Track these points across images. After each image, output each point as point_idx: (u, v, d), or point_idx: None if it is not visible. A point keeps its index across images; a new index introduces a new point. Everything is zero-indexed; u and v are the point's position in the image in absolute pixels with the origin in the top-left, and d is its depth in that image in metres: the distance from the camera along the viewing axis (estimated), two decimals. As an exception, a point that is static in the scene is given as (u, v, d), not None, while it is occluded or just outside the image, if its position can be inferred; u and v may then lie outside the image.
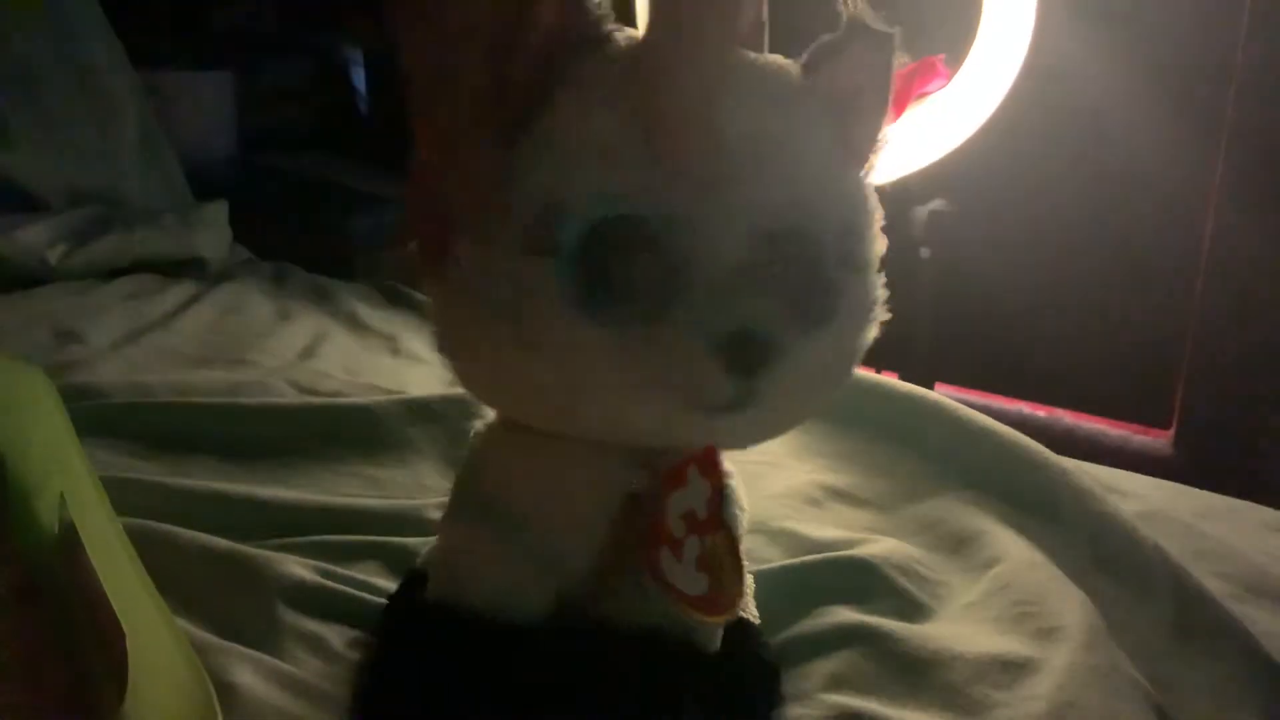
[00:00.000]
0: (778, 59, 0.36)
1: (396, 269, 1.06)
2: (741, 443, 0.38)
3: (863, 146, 0.37)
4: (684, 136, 0.31)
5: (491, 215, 0.33)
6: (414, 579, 0.44)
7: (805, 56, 0.36)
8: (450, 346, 0.36)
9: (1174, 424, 1.14)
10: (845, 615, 0.50)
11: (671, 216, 0.32)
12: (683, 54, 0.31)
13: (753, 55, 0.35)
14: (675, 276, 0.32)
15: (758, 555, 0.55)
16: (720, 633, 0.40)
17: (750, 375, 0.32)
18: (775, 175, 0.33)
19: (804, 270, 0.33)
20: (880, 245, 0.37)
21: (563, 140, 0.32)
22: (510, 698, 0.36)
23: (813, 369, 0.35)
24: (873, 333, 0.37)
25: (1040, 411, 1.21)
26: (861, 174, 0.37)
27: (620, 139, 0.32)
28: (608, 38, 0.34)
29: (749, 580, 0.45)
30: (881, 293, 0.37)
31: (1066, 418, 1.20)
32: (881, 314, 0.37)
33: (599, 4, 0.34)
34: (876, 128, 0.37)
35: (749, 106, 0.33)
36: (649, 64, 0.32)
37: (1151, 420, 1.17)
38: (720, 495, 0.38)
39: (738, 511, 0.40)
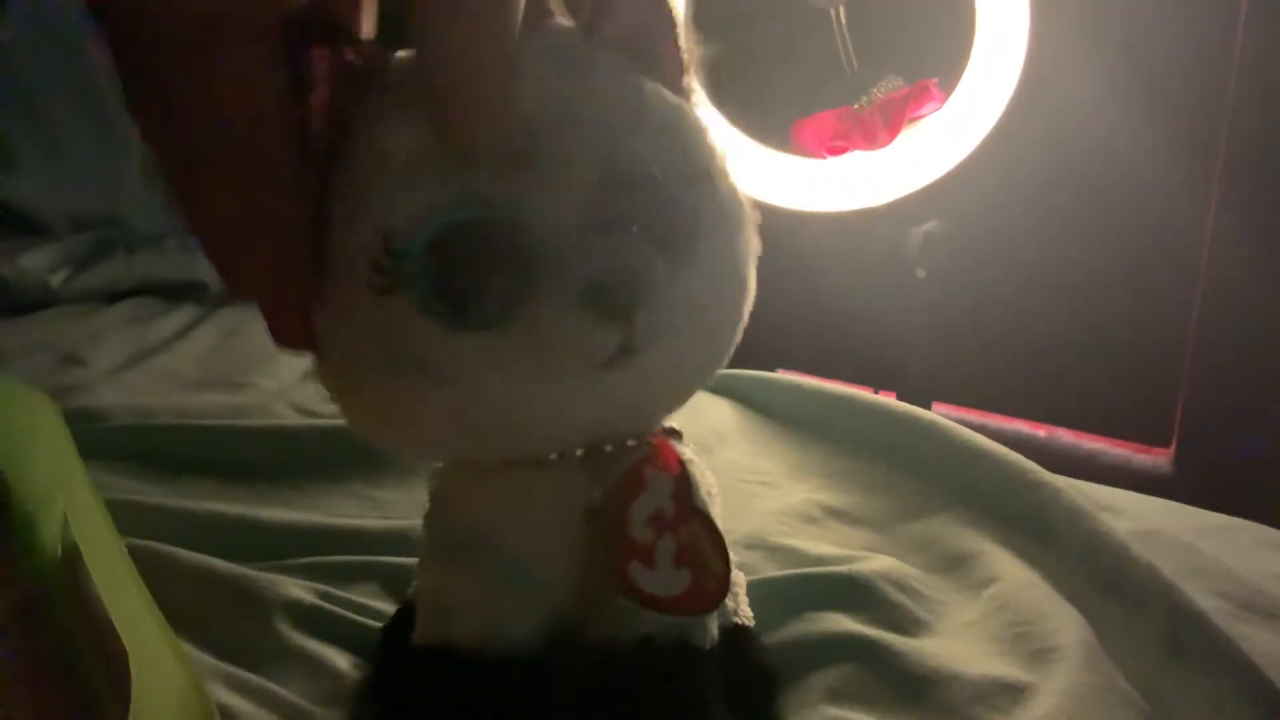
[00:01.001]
0: (559, 23, 0.35)
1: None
2: (651, 403, 0.37)
3: (668, 75, 0.36)
4: (477, 124, 0.31)
5: (330, 266, 0.32)
6: (404, 610, 0.44)
7: (585, 9, 0.35)
8: (360, 417, 0.35)
9: (1174, 442, 1.14)
10: (843, 625, 0.50)
11: (496, 207, 0.31)
12: (457, 44, 0.30)
13: (532, 26, 0.33)
14: (523, 260, 0.31)
15: (754, 569, 0.55)
16: (714, 623, 0.40)
17: (627, 316, 0.32)
18: (582, 132, 0.32)
19: (653, 208, 0.33)
20: (718, 155, 0.36)
21: (367, 170, 0.32)
22: None
23: (690, 297, 0.34)
24: (750, 244, 0.37)
25: (1039, 430, 1.21)
26: (680, 100, 0.36)
27: (423, 148, 0.31)
28: (387, 63, 0.33)
29: (740, 578, 0.45)
30: (742, 196, 0.36)
31: (1065, 436, 1.20)
32: (753, 219, 0.37)
33: (366, 41, 0.33)
34: (676, 53, 0.36)
35: (539, 78, 0.32)
36: (426, 66, 0.31)
37: (1151, 439, 1.16)
38: (685, 485, 0.37)
39: (706, 496, 0.39)
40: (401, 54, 0.34)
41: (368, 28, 0.33)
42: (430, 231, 0.31)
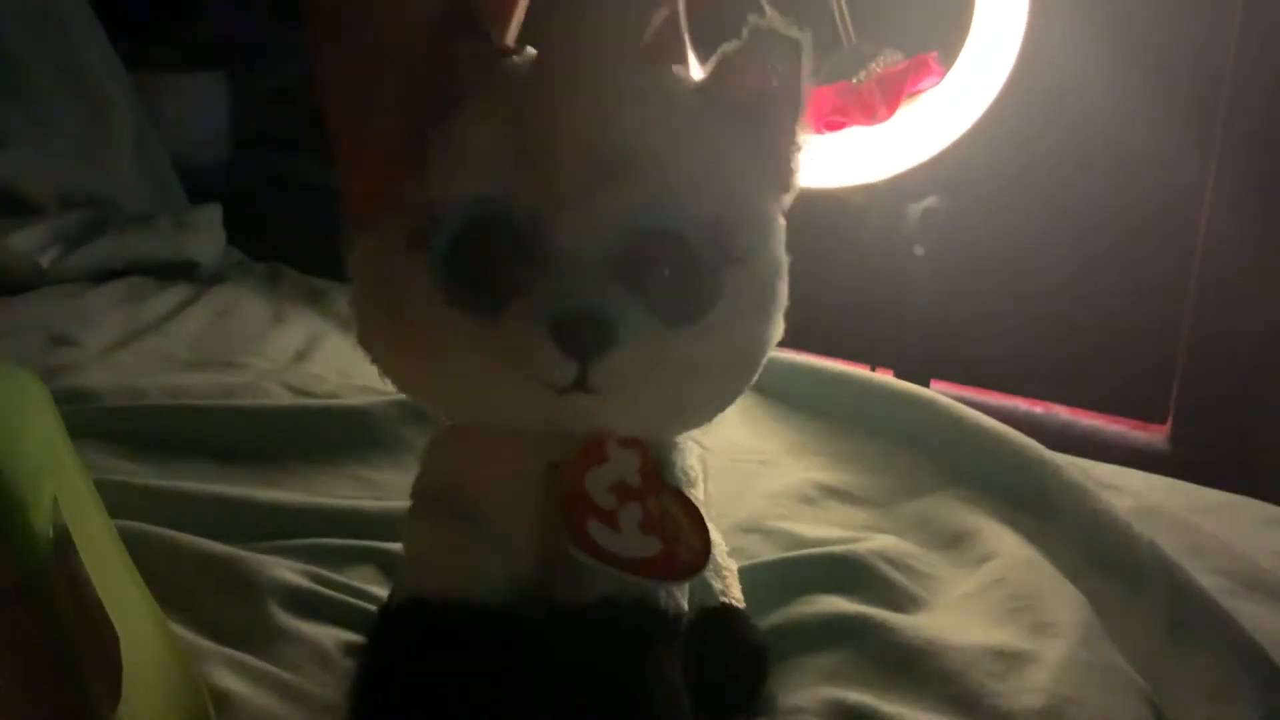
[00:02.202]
0: (677, 71, 0.37)
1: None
2: (626, 426, 0.38)
3: (776, 150, 0.37)
4: (553, 144, 0.33)
5: (387, 218, 0.36)
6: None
7: (709, 66, 0.37)
8: (362, 341, 0.39)
9: (1170, 419, 1.14)
10: (837, 606, 0.50)
11: (533, 217, 0.34)
12: (567, 73, 0.33)
13: (645, 68, 0.35)
14: (532, 271, 0.34)
15: (751, 553, 0.55)
16: (685, 595, 0.40)
17: (583, 358, 0.34)
18: (643, 181, 0.34)
19: (672, 268, 0.35)
20: (779, 245, 0.38)
21: (448, 148, 0.35)
22: (480, 685, 0.36)
23: (690, 362, 0.36)
24: (771, 325, 0.38)
25: (1036, 407, 1.21)
26: (769, 176, 0.38)
27: (495, 146, 0.34)
28: (510, 57, 0.36)
29: (730, 563, 0.45)
30: (782, 287, 0.38)
31: (1062, 413, 1.20)
32: (783, 304, 0.38)
33: (500, 34, 0.36)
34: (792, 132, 0.37)
35: (626, 117, 0.34)
36: (534, 80, 0.34)
37: (1147, 415, 1.16)
38: (652, 463, 0.38)
39: (690, 468, 0.40)
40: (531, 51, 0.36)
41: (509, 31, 0.37)
42: (465, 213, 0.34)
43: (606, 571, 0.36)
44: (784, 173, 0.38)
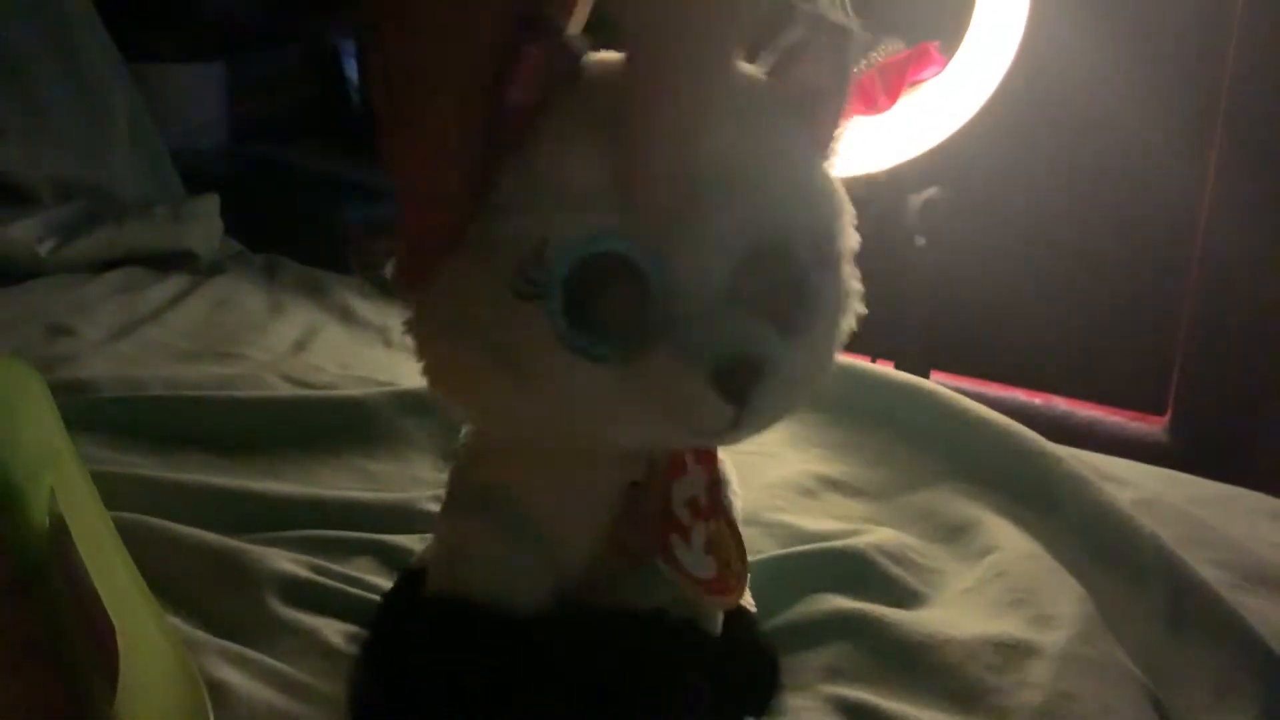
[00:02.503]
0: (748, 69, 0.35)
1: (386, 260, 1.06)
2: (725, 445, 0.39)
3: (828, 143, 0.37)
4: (655, 171, 0.32)
5: (476, 250, 0.33)
6: (409, 578, 0.44)
7: (771, 61, 0.35)
8: (438, 378, 0.36)
9: (1169, 410, 1.14)
10: (837, 603, 0.50)
11: (652, 250, 0.32)
12: (663, 87, 0.31)
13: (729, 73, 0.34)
14: (661, 307, 0.32)
15: (750, 546, 0.54)
16: (720, 617, 0.41)
17: (744, 398, 0.32)
18: (749, 196, 0.33)
19: (785, 284, 0.34)
20: (853, 237, 0.37)
21: (544, 177, 0.32)
22: (518, 689, 0.36)
23: (796, 374, 0.35)
24: (850, 323, 0.37)
25: (1035, 398, 1.21)
26: (829, 169, 0.37)
27: (598, 176, 0.32)
28: (583, 65, 0.34)
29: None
30: (856, 283, 0.37)
31: (1061, 404, 1.20)
32: (858, 303, 0.37)
33: (577, 36, 0.34)
34: (838, 123, 0.37)
35: (721, 131, 0.33)
36: (627, 97, 0.32)
37: (1146, 406, 1.16)
38: (718, 481, 0.38)
39: (732, 496, 0.41)
40: (598, 57, 0.34)
41: (576, 24, 0.35)
42: (577, 254, 0.32)
43: (678, 585, 0.36)
44: (828, 154, 0.37)
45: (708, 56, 0.31)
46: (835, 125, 0.36)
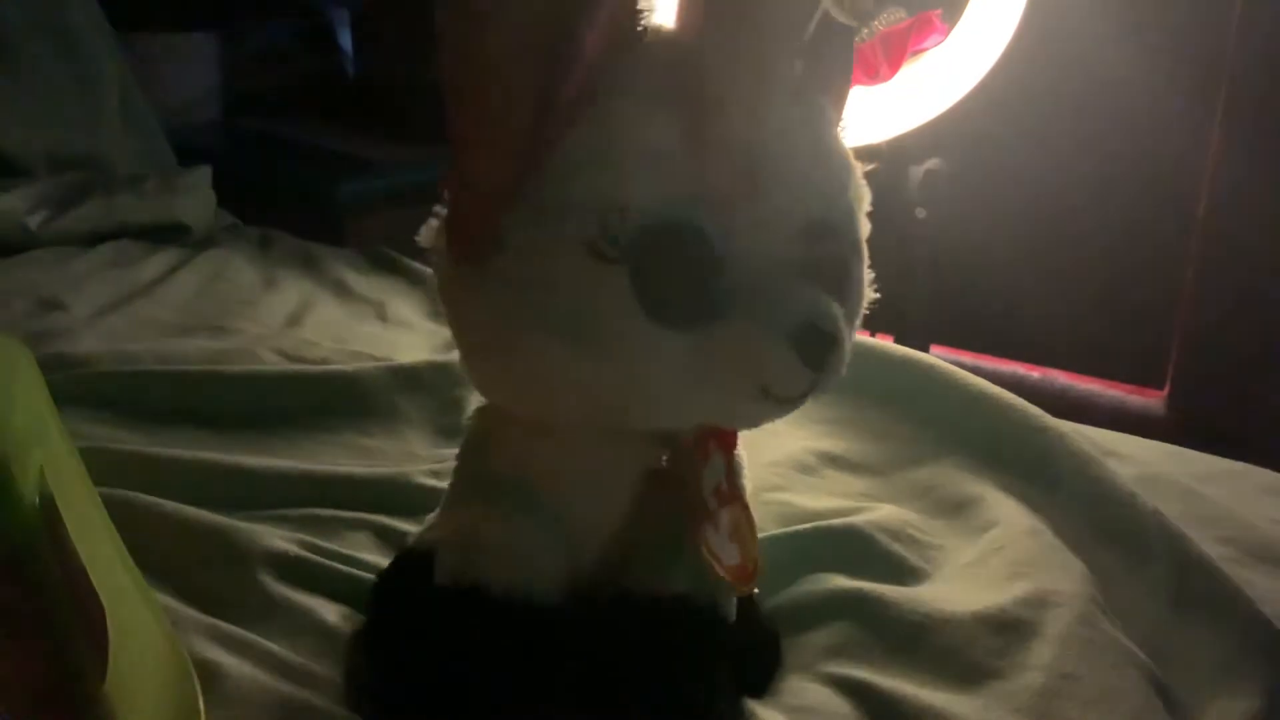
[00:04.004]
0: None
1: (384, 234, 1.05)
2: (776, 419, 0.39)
3: (835, 120, 0.39)
4: (727, 138, 0.33)
5: (546, 210, 0.33)
6: (407, 560, 0.43)
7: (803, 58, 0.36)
8: (483, 348, 0.36)
9: (1168, 384, 1.14)
10: (837, 582, 0.49)
11: (723, 220, 0.33)
12: (735, 61, 0.32)
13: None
14: (732, 276, 0.33)
15: (753, 524, 0.54)
16: (735, 601, 0.41)
17: (822, 366, 0.34)
18: (805, 172, 0.35)
19: (836, 262, 0.35)
20: (866, 225, 0.38)
21: (618, 145, 0.33)
22: (541, 680, 0.36)
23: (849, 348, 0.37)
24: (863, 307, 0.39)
25: (1034, 372, 1.20)
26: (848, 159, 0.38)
27: (671, 145, 0.33)
28: (644, 33, 0.34)
29: None
30: (868, 269, 0.39)
31: (1060, 378, 1.20)
32: (869, 289, 0.39)
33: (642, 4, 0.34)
34: (844, 99, 0.39)
35: (784, 110, 0.34)
36: (700, 68, 0.33)
37: (1145, 381, 1.16)
38: (736, 466, 0.39)
39: (744, 482, 0.41)
40: (660, 26, 0.35)
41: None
42: (654, 220, 0.32)
43: (712, 572, 0.37)
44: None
45: (779, 38, 0.33)
46: (842, 102, 0.39)
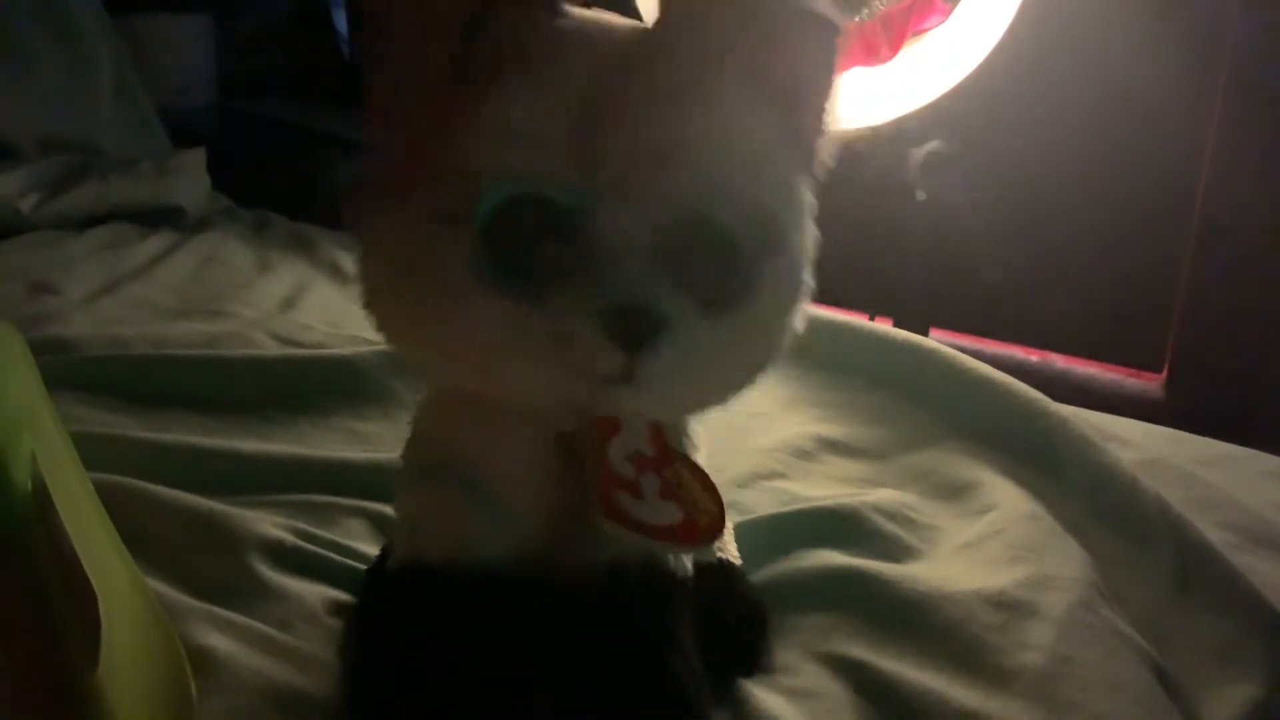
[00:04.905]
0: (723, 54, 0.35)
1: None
2: (651, 412, 0.38)
3: (806, 134, 0.37)
4: (604, 130, 0.33)
5: (420, 183, 0.34)
6: (391, 548, 0.43)
7: (748, 46, 0.35)
8: (374, 313, 0.37)
9: (1166, 368, 1.14)
10: (829, 558, 0.49)
11: (579, 202, 0.33)
12: (663, 50, 0.33)
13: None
14: (576, 256, 0.33)
15: (746, 509, 0.54)
16: (689, 560, 0.41)
17: (635, 349, 0.33)
18: (688, 171, 0.33)
19: (715, 260, 0.34)
20: (812, 233, 0.37)
21: (494, 117, 0.33)
22: (484, 647, 0.36)
23: (722, 351, 0.35)
24: (798, 317, 0.38)
25: (1033, 355, 1.20)
26: (800, 161, 0.37)
27: (545, 124, 0.33)
28: (562, 17, 0.35)
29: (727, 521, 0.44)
30: (809, 279, 0.37)
31: (1059, 361, 1.19)
32: (807, 298, 0.38)
33: None
34: (821, 115, 0.37)
35: (675, 110, 0.34)
36: (599, 65, 0.33)
37: (1144, 364, 1.16)
38: (661, 431, 0.39)
39: (694, 432, 0.41)
40: (579, 12, 0.35)
41: None
42: (506, 189, 0.33)
43: (631, 538, 0.36)
44: (812, 158, 0.38)
45: (711, 33, 0.33)
46: (819, 118, 0.37)
